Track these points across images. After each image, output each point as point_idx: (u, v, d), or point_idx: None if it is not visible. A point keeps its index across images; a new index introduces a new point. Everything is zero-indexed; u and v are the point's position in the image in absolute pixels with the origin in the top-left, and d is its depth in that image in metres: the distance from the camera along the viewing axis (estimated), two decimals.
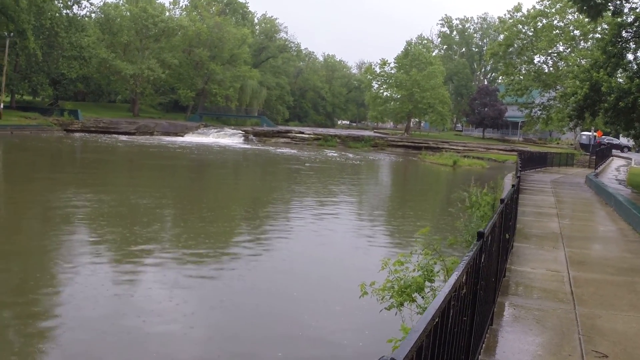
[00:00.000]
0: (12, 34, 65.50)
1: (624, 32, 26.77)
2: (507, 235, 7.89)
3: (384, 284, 7.85)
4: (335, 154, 66.35)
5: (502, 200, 6.46)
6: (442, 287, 3.38)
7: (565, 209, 18.55)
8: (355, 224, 22.78)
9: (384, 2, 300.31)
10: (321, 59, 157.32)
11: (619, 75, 28.68)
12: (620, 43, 26.58)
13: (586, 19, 43.61)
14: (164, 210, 23.08)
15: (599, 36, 45.82)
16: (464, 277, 3.81)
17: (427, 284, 7.84)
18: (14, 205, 22.15)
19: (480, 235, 4.75)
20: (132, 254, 15.12)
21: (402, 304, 7.55)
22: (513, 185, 8.82)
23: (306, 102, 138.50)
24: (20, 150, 45.90)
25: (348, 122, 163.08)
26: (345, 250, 17.59)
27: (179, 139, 75.34)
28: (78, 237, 17.03)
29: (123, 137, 69.21)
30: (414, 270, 7.99)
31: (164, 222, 20.45)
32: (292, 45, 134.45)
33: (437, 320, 2.98)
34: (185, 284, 12.70)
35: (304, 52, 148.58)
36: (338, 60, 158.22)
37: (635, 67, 26.53)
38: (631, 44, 27.52)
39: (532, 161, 38.72)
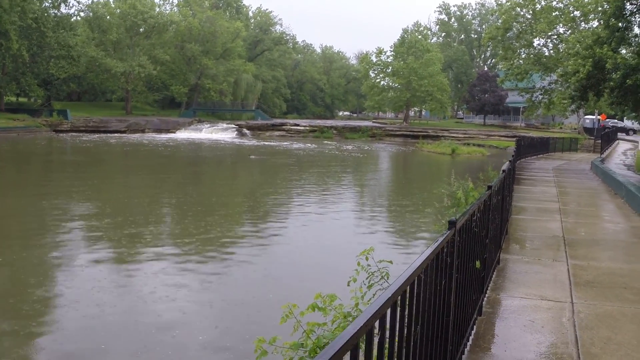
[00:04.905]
0: None
1: (628, 4, 24.45)
2: (478, 263, 5.54)
3: (306, 336, 5.37)
4: (329, 145, 63.45)
5: (451, 224, 3.87)
6: None
7: (568, 203, 16.18)
8: (313, 233, 18.52)
9: None
10: (319, 50, 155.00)
11: (625, 51, 26.39)
12: (625, 16, 24.26)
13: None
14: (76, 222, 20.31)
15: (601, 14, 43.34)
16: None
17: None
18: None
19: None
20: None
21: None
22: (489, 187, 6.32)
23: (304, 94, 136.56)
24: None
25: (349, 113, 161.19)
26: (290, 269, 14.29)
27: (170, 135, 73.07)
28: None
29: (95, 136, 66.34)
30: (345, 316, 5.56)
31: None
32: (288, 37, 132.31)
33: None
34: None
35: (301, 44, 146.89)
36: (336, 51, 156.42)
37: None
38: (637, 16, 25.18)
39: (533, 147, 36.68)
